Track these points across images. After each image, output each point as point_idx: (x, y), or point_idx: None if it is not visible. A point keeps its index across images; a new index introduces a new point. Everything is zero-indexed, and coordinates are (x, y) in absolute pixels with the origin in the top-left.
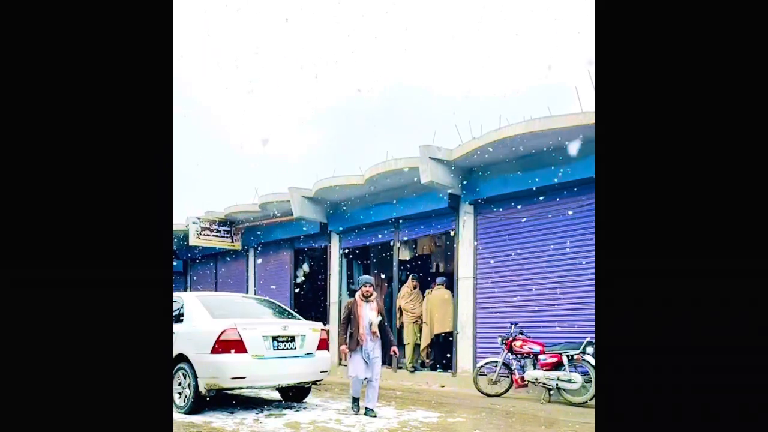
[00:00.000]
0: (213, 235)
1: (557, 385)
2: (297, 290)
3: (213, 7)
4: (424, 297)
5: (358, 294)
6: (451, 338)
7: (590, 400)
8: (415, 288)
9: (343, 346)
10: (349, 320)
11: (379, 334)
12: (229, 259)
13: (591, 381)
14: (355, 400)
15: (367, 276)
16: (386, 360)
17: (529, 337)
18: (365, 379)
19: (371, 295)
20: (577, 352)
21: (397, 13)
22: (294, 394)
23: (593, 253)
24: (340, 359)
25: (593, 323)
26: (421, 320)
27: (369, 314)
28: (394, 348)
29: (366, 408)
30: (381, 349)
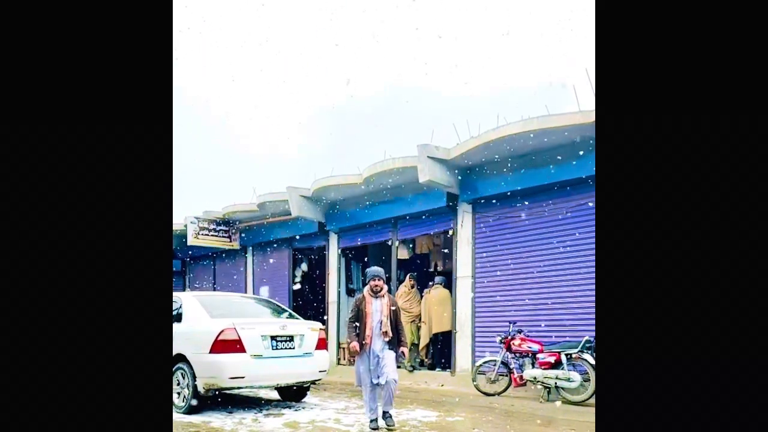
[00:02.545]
0: (211, 235)
1: (556, 383)
2: (295, 289)
3: (213, 6)
4: (422, 296)
5: (366, 289)
6: (449, 337)
7: (589, 398)
8: (412, 287)
9: (354, 343)
10: (356, 320)
11: (391, 334)
12: (227, 258)
13: (589, 380)
14: (372, 420)
15: (376, 268)
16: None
17: (528, 336)
18: (377, 385)
19: (381, 290)
20: (576, 350)
21: (397, 12)
22: (293, 394)
23: (592, 251)
24: (338, 359)
25: (592, 322)
26: (419, 320)
27: (379, 312)
28: (403, 349)
29: (383, 412)
30: (393, 350)
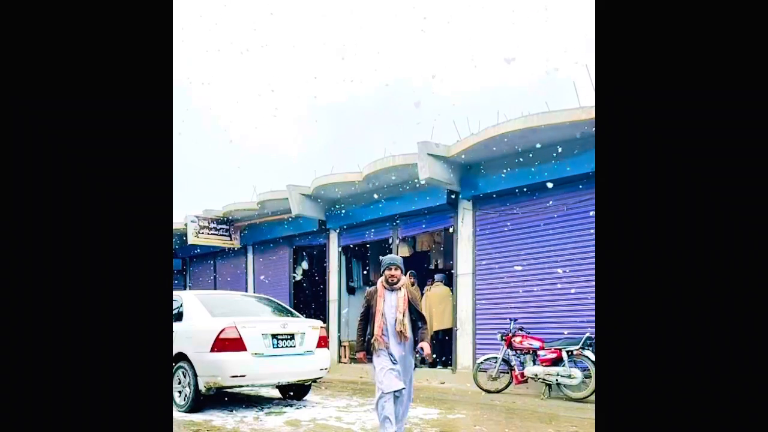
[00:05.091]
0: (211, 234)
1: (557, 380)
2: (296, 288)
3: (213, 4)
4: (422, 294)
5: (380, 281)
6: (450, 335)
7: (590, 395)
8: (412, 285)
9: (360, 354)
10: (368, 318)
11: (409, 335)
12: (227, 257)
13: (591, 376)
14: (387, 420)
15: (392, 255)
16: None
17: (529, 333)
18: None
19: (398, 281)
20: (577, 347)
21: (397, 9)
22: (294, 392)
23: (593, 248)
24: (340, 357)
25: (593, 318)
26: None
27: (394, 308)
28: (423, 344)
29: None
30: (413, 356)
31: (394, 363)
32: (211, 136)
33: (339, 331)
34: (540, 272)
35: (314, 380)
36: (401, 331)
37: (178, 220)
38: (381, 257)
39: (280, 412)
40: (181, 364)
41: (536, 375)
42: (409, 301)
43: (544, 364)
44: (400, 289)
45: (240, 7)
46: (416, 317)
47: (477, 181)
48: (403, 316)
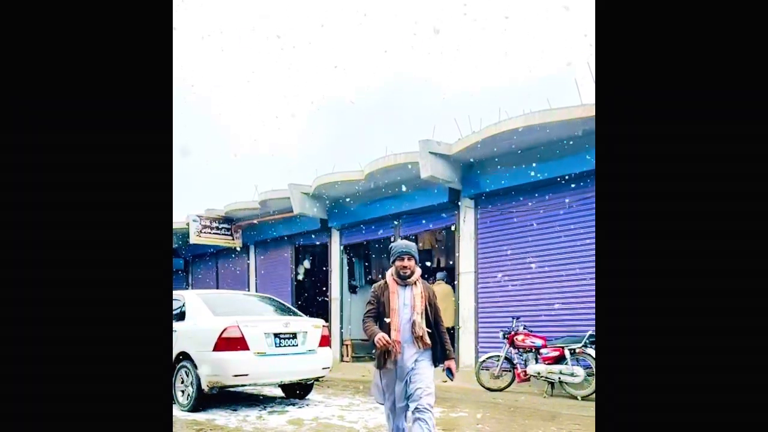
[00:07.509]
0: (213, 233)
1: (560, 378)
2: (297, 287)
3: (215, 4)
4: None
5: (390, 273)
6: (452, 333)
7: (592, 393)
8: None
9: (380, 334)
10: (378, 316)
11: (428, 341)
12: (229, 256)
13: (593, 374)
14: None
15: (404, 242)
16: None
17: (531, 331)
18: (405, 407)
19: (412, 274)
20: (579, 345)
21: (397, 7)
22: (296, 391)
23: (594, 245)
24: (342, 355)
25: (595, 316)
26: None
27: (409, 307)
28: (450, 363)
29: None
30: (431, 360)
31: (406, 374)
32: (212, 136)
33: (341, 329)
34: (542, 270)
35: (316, 379)
36: (421, 337)
37: (180, 219)
38: (391, 245)
39: (282, 410)
40: (183, 363)
41: (539, 373)
42: (428, 299)
43: (546, 362)
44: (415, 284)
45: (245, 6)
46: (434, 318)
47: (479, 180)
48: (422, 317)
